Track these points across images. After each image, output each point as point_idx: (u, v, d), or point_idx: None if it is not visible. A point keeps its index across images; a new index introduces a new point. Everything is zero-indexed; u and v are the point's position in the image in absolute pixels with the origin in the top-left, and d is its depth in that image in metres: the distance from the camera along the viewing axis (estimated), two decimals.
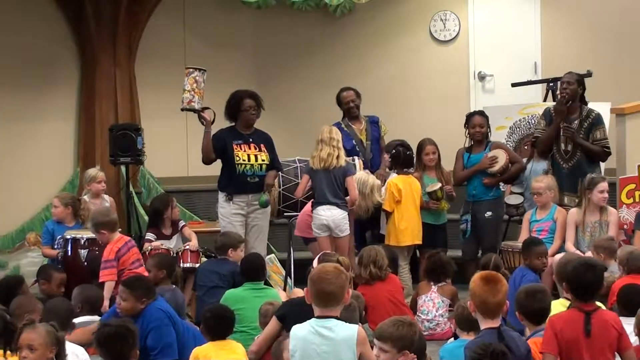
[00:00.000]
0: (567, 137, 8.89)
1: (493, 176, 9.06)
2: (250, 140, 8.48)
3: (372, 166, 9.45)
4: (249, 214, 8.43)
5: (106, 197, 9.29)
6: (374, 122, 9.71)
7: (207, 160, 8.56)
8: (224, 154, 8.44)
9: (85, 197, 9.23)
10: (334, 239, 8.50)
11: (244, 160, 8.38)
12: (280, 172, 9.10)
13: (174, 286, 7.42)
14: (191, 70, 8.51)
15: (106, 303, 7.45)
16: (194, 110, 8.48)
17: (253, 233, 8.49)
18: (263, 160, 8.43)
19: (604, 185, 8.48)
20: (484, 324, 4.96)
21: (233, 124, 8.58)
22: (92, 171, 9.34)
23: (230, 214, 8.40)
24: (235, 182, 8.39)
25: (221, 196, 8.49)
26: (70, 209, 8.85)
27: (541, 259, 7.84)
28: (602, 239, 8.08)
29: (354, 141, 9.50)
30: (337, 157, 8.51)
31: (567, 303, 5.75)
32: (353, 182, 8.53)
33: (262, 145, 8.48)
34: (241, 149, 8.41)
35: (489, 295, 4.92)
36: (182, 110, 8.58)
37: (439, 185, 9.03)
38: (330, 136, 8.59)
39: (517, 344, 4.91)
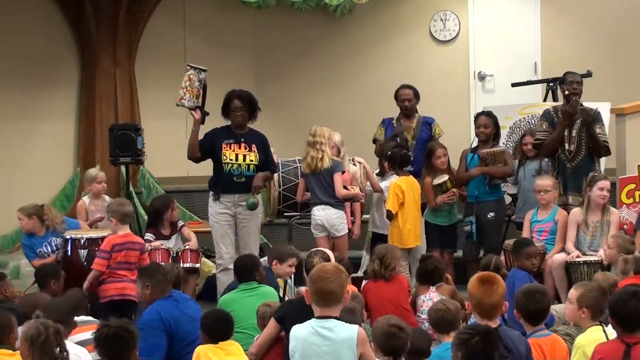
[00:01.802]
0: (573, 108, 8.79)
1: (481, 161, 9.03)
2: (242, 140, 8.42)
3: (413, 165, 9.32)
4: (237, 214, 8.40)
5: (107, 197, 9.27)
6: (426, 123, 9.61)
7: (192, 158, 8.56)
8: (213, 153, 8.43)
9: (86, 198, 9.22)
10: (333, 238, 8.51)
11: (231, 160, 8.34)
12: (280, 173, 9.09)
13: None
14: (188, 67, 8.54)
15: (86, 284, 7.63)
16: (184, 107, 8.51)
17: (244, 234, 8.44)
18: (251, 161, 8.37)
19: (604, 183, 8.45)
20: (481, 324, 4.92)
21: (229, 122, 8.56)
22: (93, 171, 9.32)
23: (217, 213, 8.39)
24: (222, 181, 8.38)
25: (210, 195, 8.49)
26: (35, 219, 8.58)
27: (530, 260, 7.84)
28: (626, 239, 8.09)
29: (398, 139, 9.47)
30: (321, 159, 8.53)
31: (598, 328, 5.70)
32: (338, 178, 8.52)
33: (253, 145, 8.41)
34: (230, 148, 8.36)
35: (484, 296, 4.93)
36: (176, 105, 8.58)
37: (447, 176, 9.00)
38: (314, 139, 8.62)
39: (515, 343, 4.89)
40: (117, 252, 7.73)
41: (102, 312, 7.35)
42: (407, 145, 9.18)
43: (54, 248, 8.50)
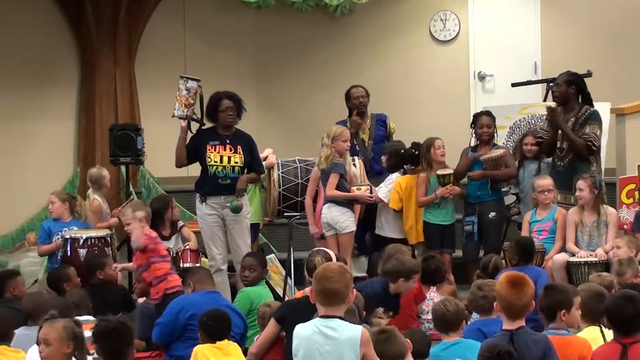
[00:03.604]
0: (548, 120, 8.82)
1: (481, 166, 9.05)
2: (227, 141, 8.34)
3: (371, 166, 9.39)
4: (225, 215, 8.33)
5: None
6: (380, 121, 9.63)
7: (178, 164, 8.53)
8: (199, 155, 8.37)
9: (98, 198, 9.22)
10: (338, 236, 8.55)
11: (215, 162, 8.27)
12: (280, 172, 9.07)
13: None
14: (180, 77, 8.52)
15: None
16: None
17: (234, 235, 8.38)
18: (236, 163, 8.29)
19: (578, 183, 8.46)
20: (505, 325, 5.02)
21: (213, 124, 8.47)
22: (102, 172, 9.35)
23: (205, 214, 8.34)
24: (207, 183, 8.31)
25: (197, 197, 8.47)
26: (67, 205, 8.84)
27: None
28: (630, 236, 8.14)
29: (355, 140, 9.47)
30: (322, 159, 8.58)
31: (595, 328, 5.72)
32: (331, 179, 8.53)
33: (239, 146, 8.33)
34: (215, 150, 8.30)
35: (515, 298, 4.96)
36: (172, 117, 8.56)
37: (452, 170, 8.99)
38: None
39: (529, 347, 4.92)
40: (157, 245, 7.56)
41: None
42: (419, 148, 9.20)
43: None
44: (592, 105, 8.94)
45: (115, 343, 4.94)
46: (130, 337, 4.99)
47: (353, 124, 9.43)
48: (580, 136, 8.74)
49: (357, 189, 8.68)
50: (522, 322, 4.98)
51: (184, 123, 8.42)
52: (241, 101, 8.46)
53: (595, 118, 8.85)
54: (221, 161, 8.27)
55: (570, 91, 8.90)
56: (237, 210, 8.24)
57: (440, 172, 8.96)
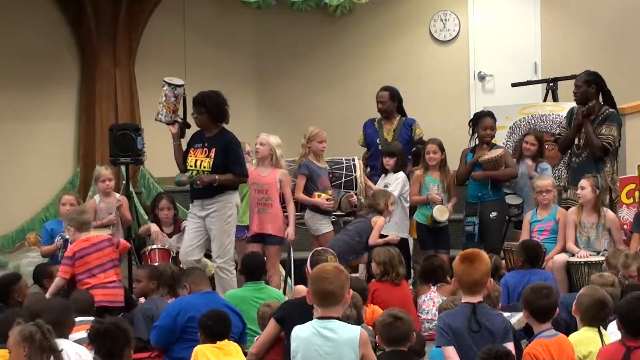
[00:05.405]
0: (581, 113, 8.81)
1: (482, 167, 9.06)
2: (206, 144, 8.10)
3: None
4: (205, 217, 8.09)
5: (117, 195, 9.20)
6: (407, 125, 9.58)
7: (181, 170, 8.36)
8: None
9: (96, 196, 9.22)
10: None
11: (191, 166, 8.08)
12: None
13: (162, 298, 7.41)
14: (163, 83, 8.34)
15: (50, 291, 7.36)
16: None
17: (211, 236, 8.15)
18: (204, 167, 8.02)
19: (581, 182, 8.45)
20: (464, 299, 5.11)
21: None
22: (97, 170, 9.35)
23: (190, 214, 8.26)
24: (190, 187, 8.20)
25: None
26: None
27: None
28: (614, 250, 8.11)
29: (378, 140, 9.46)
30: (297, 159, 8.63)
31: (591, 329, 5.69)
32: (297, 181, 8.62)
33: (214, 149, 8.04)
34: (194, 154, 8.11)
35: (463, 273, 5.05)
36: (155, 120, 8.39)
37: (447, 216, 8.95)
38: None
39: (491, 320, 5.02)
40: (80, 259, 7.40)
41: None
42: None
43: None
44: (614, 104, 8.97)
45: (109, 344, 4.96)
46: (125, 338, 5.00)
47: None
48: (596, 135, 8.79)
49: (318, 195, 8.63)
50: (481, 298, 5.07)
51: (174, 129, 8.25)
52: (209, 101, 8.05)
53: (613, 119, 8.87)
54: (195, 165, 8.08)
55: (591, 91, 8.90)
56: (179, 184, 8.09)
57: (438, 215, 8.90)
